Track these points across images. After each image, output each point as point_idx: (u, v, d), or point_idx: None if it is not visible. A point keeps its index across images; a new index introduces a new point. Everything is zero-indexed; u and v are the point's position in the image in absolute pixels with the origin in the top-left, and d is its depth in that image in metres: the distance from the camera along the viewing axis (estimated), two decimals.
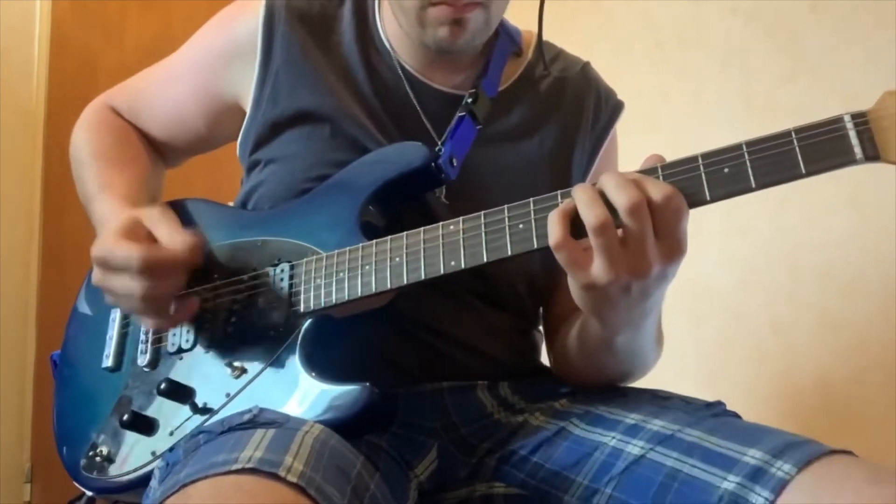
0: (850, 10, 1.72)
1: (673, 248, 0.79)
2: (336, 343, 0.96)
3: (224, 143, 1.21)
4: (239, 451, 0.71)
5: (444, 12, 0.99)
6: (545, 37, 1.20)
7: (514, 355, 1.06)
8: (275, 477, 0.69)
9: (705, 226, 1.86)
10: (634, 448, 0.87)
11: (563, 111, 1.12)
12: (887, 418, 1.58)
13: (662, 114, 1.99)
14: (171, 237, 0.93)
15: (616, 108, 1.17)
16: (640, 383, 1.03)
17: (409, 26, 1.03)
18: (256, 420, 0.81)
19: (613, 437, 0.90)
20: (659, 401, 0.95)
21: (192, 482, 0.69)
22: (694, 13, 1.98)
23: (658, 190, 0.76)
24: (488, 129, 1.07)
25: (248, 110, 1.10)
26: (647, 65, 2.04)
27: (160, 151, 1.23)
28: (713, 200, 0.78)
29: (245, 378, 0.94)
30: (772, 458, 0.77)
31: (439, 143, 1.04)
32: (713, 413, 0.91)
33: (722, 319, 1.87)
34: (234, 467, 0.69)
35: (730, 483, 0.77)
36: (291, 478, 0.69)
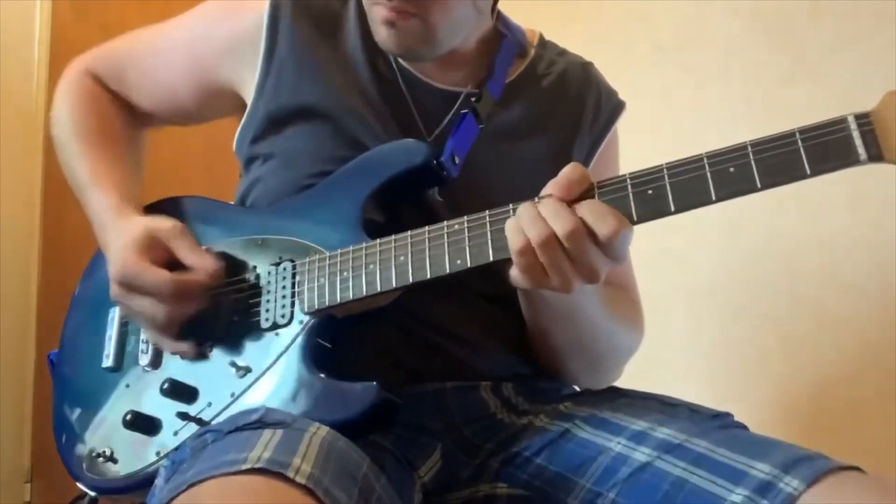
0: (850, 10, 1.72)
1: (616, 256, 0.82)
2: (339, 342, 0.96)
3: (209, 120, 1.21)
4: (248, 452, 0.71)
5: (379, 13, 0.99)
6: (547, 37, 1.20)
7: (518, 355, 1.05)
8: (283, 478, 0.69)
9: (706, 226, 1.86)
10: (640, 455, 0.86)
11: (563, 110, 1.12)
12: (887, 418, 1.58)
13: (663, 114, 1.98)
14: (198, 261, 0.96)
15: (617, 107, 1.17)
16: (639, 385, 1.03)
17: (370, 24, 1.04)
18: (264, 420, 0.80)
19: (619, 443, 0.89)
20: (666, 408, 0.95)
21: (200, 481, 0.69)
22: (694, 13, 1.99)
23: (562, 225, 0.80)
24: (489, 126, 1.07)
25: (248, 101, 1.09)
26: (648, 65, 2.04)
27: (142, 117, 1.22)
28: (718, 200, 0.78)
29: (249, 377, 0.94)
30: (780, 473, 0.76)
31: (429, 139, 1.04)
32: (721, 424, 0.90)
33: (722, 320, 1.87)
34: (243, 467, 0.69)
35: (737, 496, 0.76)
36: (300, 479, 0.69)
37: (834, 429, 1.68)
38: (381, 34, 1.00)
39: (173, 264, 0.98)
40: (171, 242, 0.98)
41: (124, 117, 1.20)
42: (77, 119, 1.17)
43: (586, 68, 1.18)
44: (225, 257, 1.02)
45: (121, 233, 1.01)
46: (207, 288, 0.96)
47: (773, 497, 0.75)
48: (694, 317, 1.91)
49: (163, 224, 1.00)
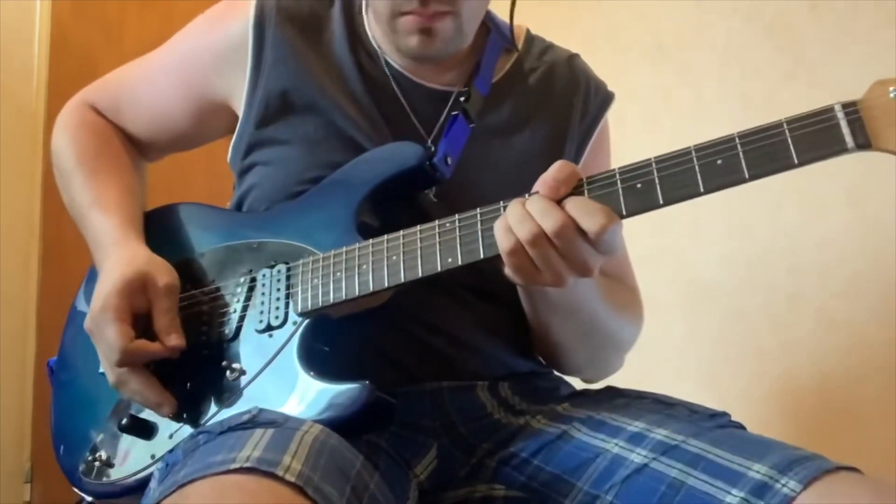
0: (850, 10, 1.72)
1: (606, 250, 0.82)
2: (334, 342, 0.96)
3: (207, 141, 1.20)
4: (237, 451, 0.71)
5: (412, 22, 0.99)
6: (547, 37, 1.20)
7: (514, 353, 1.05)
8: (273, 476, 0.69)
9: (705, 226, 1.86)
10: (637, 457, 0.86)
11: (552, 104, 1.12)
12: (887, 418, 1.58)
13: (663, 114, 1.99)
14: (167, 330, 0.96)
15: (606, 98, 1.17)
16: (639, 384, 1.03)
17: (384, 33, 1.04)
18: (256, 420, 0.80)
19: (616, 444, 0.89)
20: (663, 408, 0.95)
21: (191, 482, 0.69)
22: (694, 13, 1.98)
23: (550, 222, 0.80)
24: (479, 124, 1.06)
25: (240, 113, 1.09)
26: (648, 65, 2.04)
27: (141, 148, 1.21)
28: (707, 192, 0.78)
29: (244, 379, 0.94)
30: (777, 474, 0.76)
31: (429, 140, 1.04)
32: (718, 424, 0.90)
33: (722, 319, 1.87)
34: (233, 467, 0.69)
35: (734, 497, 0.76)
36: (290, 477, 0.69)
37: (834, 429, 1.68)
38: (412, 42, 1.00)
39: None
40: (155, 301, 0.97)
41: (125, 144, 1.19)
42: (77, 146, 1.16)
43: (572, 61, 1.17)
44: (221, 261, 1.03)
45: (116, 264, 1.00)
46: (162, 357, 0.96)
47: (770, 498, 0.75)
48: (694, 316, 1.91)
49: (158, 276, 0.98)
